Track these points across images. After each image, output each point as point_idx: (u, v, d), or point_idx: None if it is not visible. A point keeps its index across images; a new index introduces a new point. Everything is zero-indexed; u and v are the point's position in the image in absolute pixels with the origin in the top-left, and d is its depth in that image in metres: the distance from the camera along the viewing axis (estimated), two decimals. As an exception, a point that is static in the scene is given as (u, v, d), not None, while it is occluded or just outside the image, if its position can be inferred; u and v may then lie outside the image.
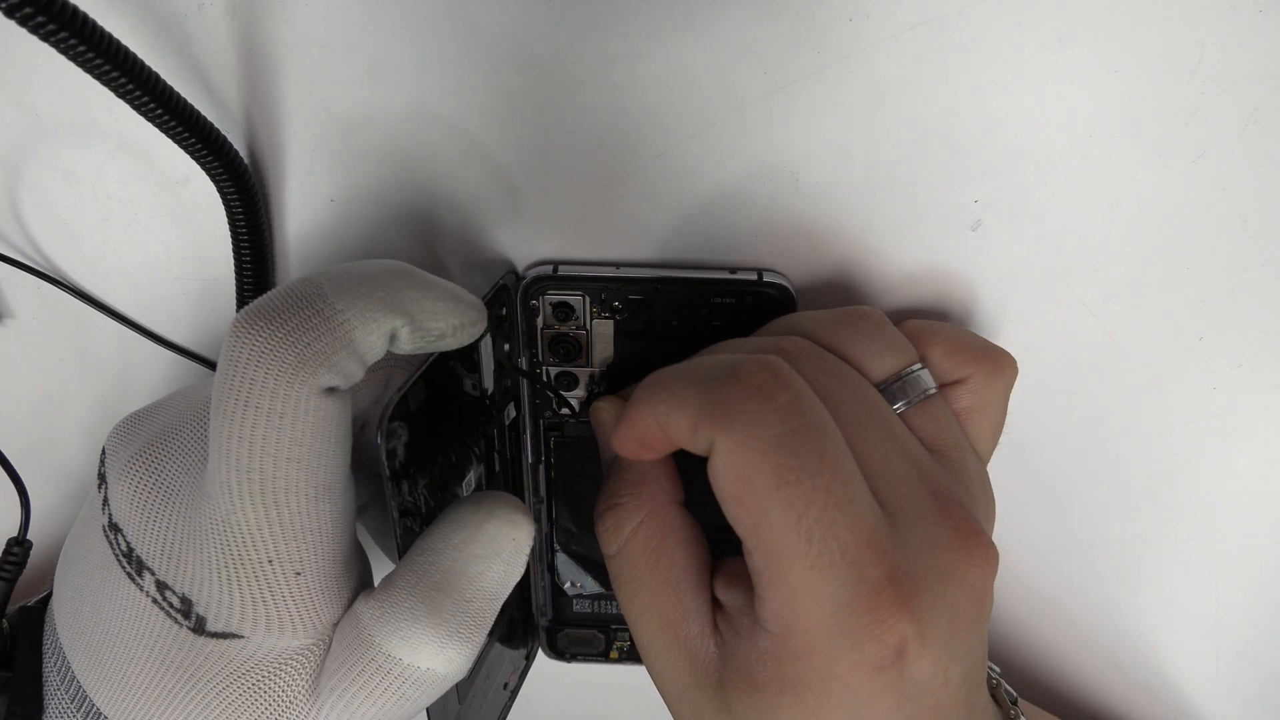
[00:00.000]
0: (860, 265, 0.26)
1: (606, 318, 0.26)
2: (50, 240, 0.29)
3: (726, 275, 0.26)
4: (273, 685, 0.20)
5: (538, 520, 0.30)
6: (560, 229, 0.27)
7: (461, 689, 0.26)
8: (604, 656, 0.32)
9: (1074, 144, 0.24)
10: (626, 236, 0.26)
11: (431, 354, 0.22)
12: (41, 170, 0.27)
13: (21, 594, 0.25)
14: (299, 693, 0.20)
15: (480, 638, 0.21)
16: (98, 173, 0.27)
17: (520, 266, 0.27)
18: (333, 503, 0.20)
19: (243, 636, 0.20)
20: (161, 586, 0.20)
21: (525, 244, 0.27)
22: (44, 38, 0.20)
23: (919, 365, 0.23)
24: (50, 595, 0.25)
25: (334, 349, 0.18)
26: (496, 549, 0.21)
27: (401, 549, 0.21)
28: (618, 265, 0.26)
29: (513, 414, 0.28)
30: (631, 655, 0.32)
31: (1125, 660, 0.32)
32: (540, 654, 0.32)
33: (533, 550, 0.30)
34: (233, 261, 0.27)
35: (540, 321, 0.27)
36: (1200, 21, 0.22)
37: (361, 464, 0.21)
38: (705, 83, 0.24)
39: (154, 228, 0.28)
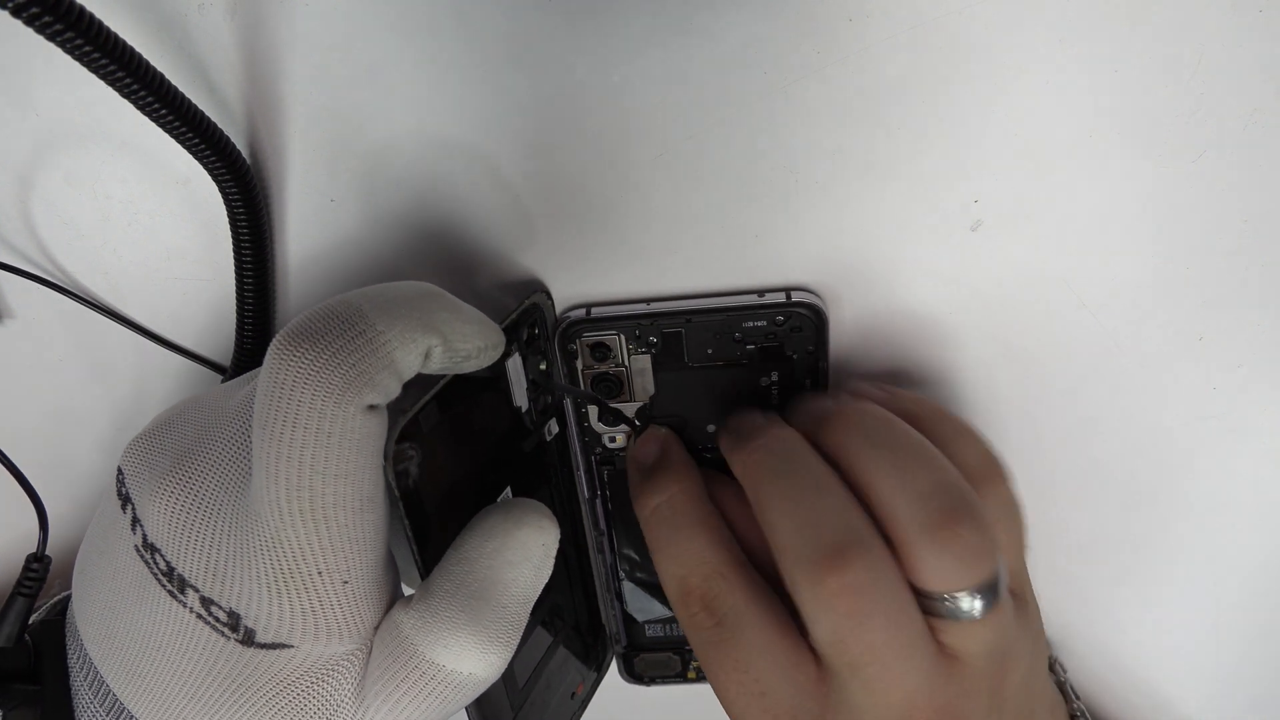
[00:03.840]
0: (858, 266, 0.26)
1: (643, 353, 0.27)
2: (51, 240, 0.29)
3: (755, 300, 0.26)
4: (321, 690, 0.21)
5: (600, 552, 0.31)
6: (560, 229, 0.27)
7: (515, 699, 0.26)
8: (682, 677, 0.33)
9: (1074, 144, 0.24)
10: (624, 236, 0.26)
11: (445, 377, 0.22)
12: (42, 171, 0.27)
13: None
14: (346, 696, 0.21)
15: (516, 639, 0.21)
16: (98, 173, 0.27)
17: (518, 268, 0.27)
18: (375, 512, 0.20)
19: (292, 646, 0.20)
20: (207, 603, 0.20)
21: (525, 245, 0.27)
22: (50, 37, 0.20)
23: (995, 575, 0.22)
24: (62, 603, 0.25)
25: (377, 369, 0.19)
26: (527, 554, 0.22)
27: (422, 563, 0.22)
28: (649, 301, 0.27)
29: (555, 429, 0.29)
30: None
31: (1123, 661, 0.32)
32: (619, 679, 0.33)
33: (601, 579, 0.31)
34: (233, 262, 0.27)
35: (580, 364, 0.27)
36: (1200, 21, 0.22)
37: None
38: (705, 83, 0.24)
39: (154, 228, 0.28)
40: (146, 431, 0.23)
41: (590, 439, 0.29)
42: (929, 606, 0.21)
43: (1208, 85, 0.23)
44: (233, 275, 0.28)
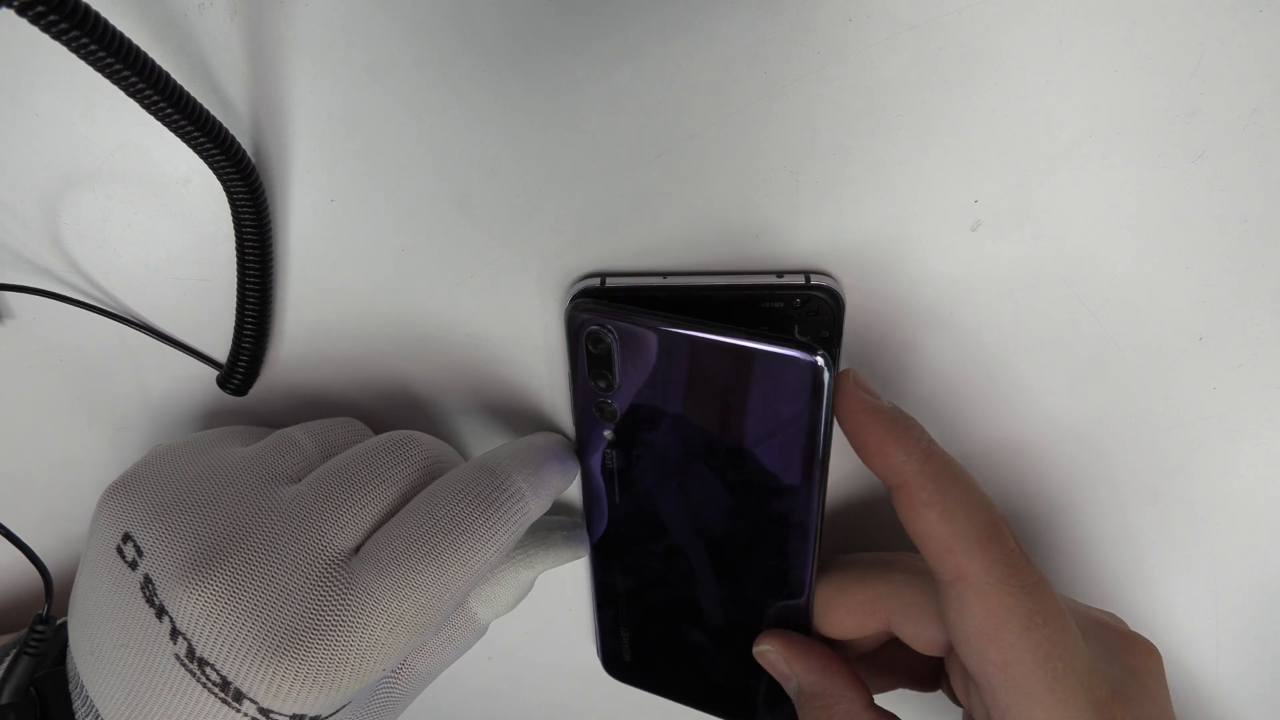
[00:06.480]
0: (859, 266, 0.26)
1: None
2: (49, 240, 0.29)
3: (774, 279, 0.26)
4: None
5: None
6: (559, 228, 0.27)
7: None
8: None
9: (1074, 144, 0.24)
10: (625, 235, 0.26)
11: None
12: (41, 170, 0.27)
13: (7, 624, 0.25)
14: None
15: None
16: (98, 172, 0.27)
17: (518, 265, 0.27)
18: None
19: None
20: (265, 712, 0.21)
21: (524, 244, 0.27)
22: (56, 36, 0.20)
23: None
24: (59, 645, 0.25)
25: (533, 514, 0.26)
26: (559, 560, 0.29)
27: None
28: (665, 275, 0.26)
29: None
30: None
31: (1125, 660, 0.32)
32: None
33: None
34: (235, 262, 0.27)
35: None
36: (1200, 21, 0.22)
37: None
38: (705, 82, 0.24)
39: (154, 228, 0.28)
40: (158, 513, 0.23)
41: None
42: None
43: (1208, 85, 0.23)
44: (232, 275, 0.28)
